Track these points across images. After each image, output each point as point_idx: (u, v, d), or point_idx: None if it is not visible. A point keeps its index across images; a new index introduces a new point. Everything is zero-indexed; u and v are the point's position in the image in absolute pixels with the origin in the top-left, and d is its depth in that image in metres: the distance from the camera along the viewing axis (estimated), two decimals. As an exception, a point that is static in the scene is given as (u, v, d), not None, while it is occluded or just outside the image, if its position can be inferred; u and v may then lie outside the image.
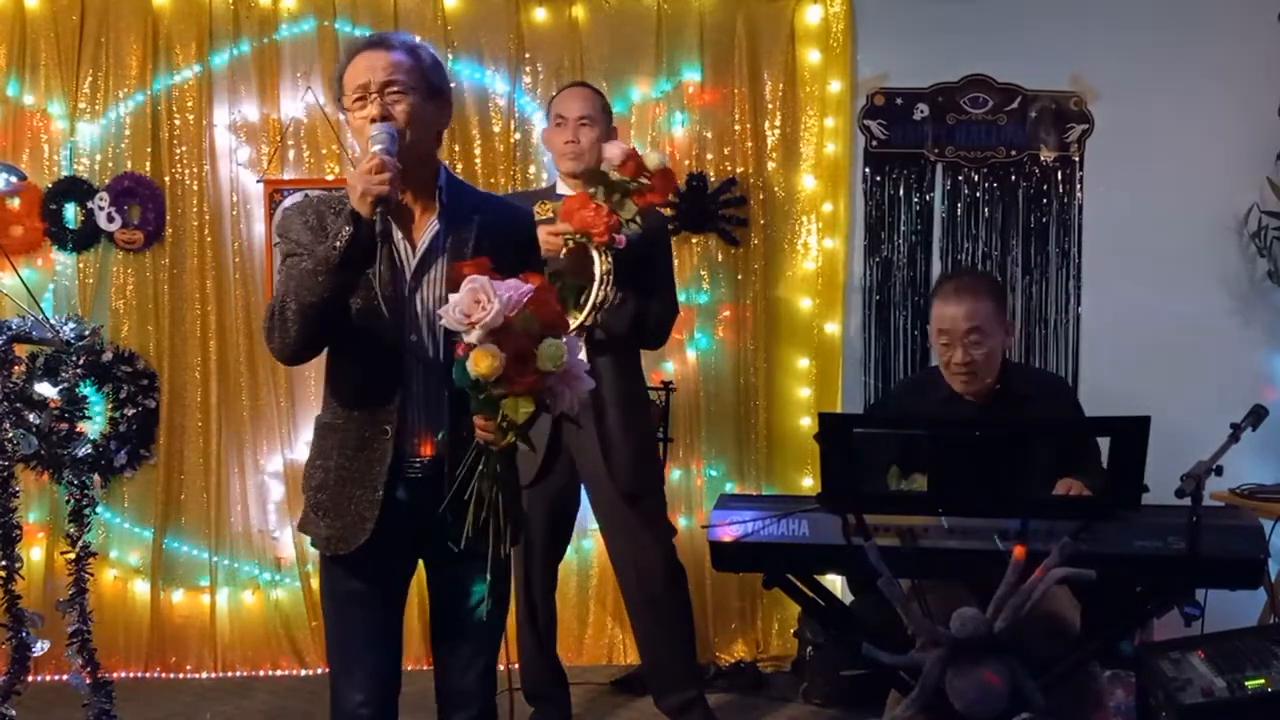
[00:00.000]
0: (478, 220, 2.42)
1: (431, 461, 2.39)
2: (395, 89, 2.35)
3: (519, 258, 2.37)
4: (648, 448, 3.84)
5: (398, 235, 2.39)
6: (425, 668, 2.69)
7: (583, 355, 2.28)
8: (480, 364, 2.14)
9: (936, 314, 3.27)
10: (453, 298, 2.20)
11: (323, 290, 2.27)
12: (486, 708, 2.54)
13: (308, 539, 2.55)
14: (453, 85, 4.42)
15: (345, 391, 2.44)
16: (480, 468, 2.28)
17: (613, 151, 3.40)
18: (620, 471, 3.67)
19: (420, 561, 2.53)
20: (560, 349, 2.18)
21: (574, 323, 3.45)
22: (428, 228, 2.42)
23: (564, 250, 3.39)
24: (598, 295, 3.41)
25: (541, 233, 3.31)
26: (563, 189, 3.71)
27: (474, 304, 2.15)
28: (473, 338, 2.15)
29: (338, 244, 2.23)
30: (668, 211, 4.25)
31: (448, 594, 2.50)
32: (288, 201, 4.35)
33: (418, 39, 2.62)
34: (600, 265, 3.39)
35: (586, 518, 4.00)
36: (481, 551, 2.31)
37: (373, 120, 2.32)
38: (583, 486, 3.78)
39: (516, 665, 3.78)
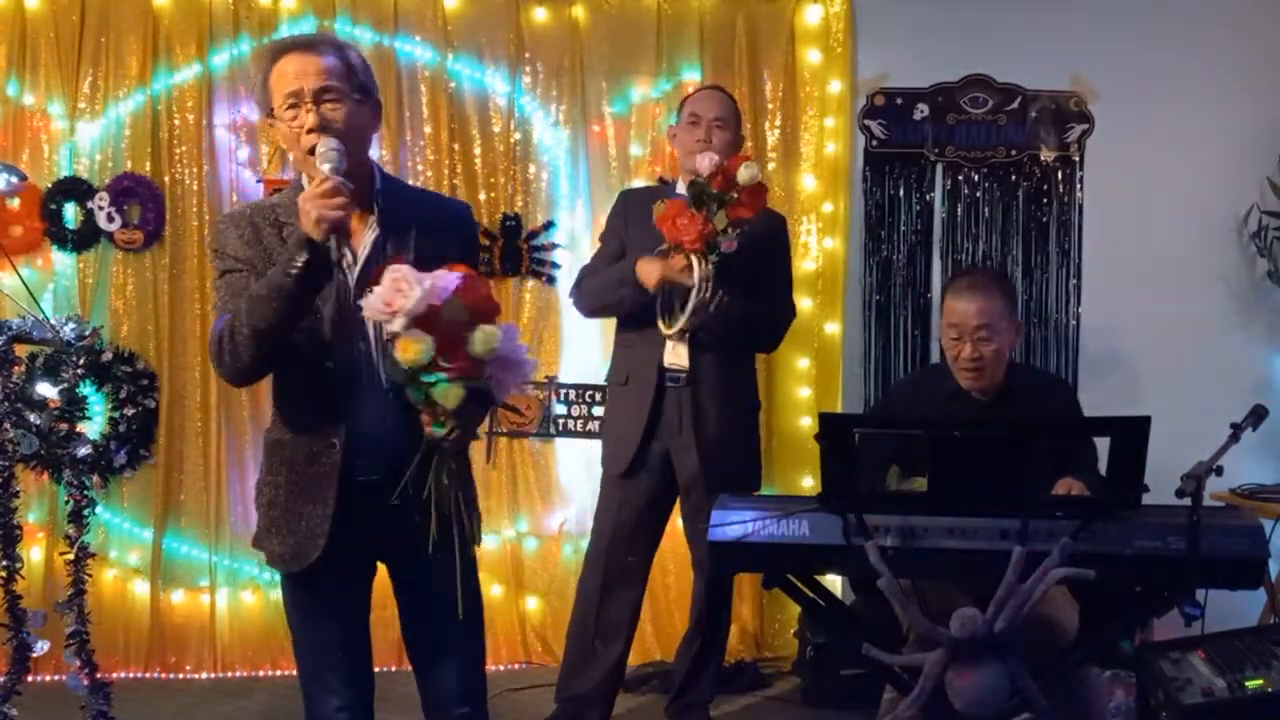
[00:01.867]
0: (416, 221, 2.35)
1: (385, 468, 2.31)
2: (331, 95, 2.25)
3: (461, 255, 2.31)
4: (750, 455, 3.77)
5: (362, 301, 2.27)
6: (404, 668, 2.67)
7: (517, 339, 2.23)
8: (407, 351, 2.09)
9: (948, 308, 3.28)
10: (375, 289, 2.13)
11: (277, 315, 2.19)
12: (477, 709, 2.49)
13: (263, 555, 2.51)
14: (452, 85, 4.47)
15: (291, 407, 2.38)
16: (435, 466, 2.23)
17: (703, 163, 3.40)
18: (715, 472, 3.59)
19: (382, 566, 2.49)
20: (493, 335, 2.13)
21: (677, 326, 3.49)
22: (366, 235, 2.33)
23: (671, 258, 3.43)
24: (696, 300, 3.42)
25: (666, 266, 3.42)
26: (681, 187, 3.65)
27: (395, 292, 2.09)
28: (396, 325, 2.10)
29: (292, 270, 2.15)
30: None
31: (415, 596, 2.46)
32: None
33: (345, 38, 2.57)
34: (698, 271, 3.40)
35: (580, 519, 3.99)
36: (447, 551, 2.25)
37: (308, 130, 2.23)
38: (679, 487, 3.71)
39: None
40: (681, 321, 3.49)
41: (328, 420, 2.32)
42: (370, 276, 2.20)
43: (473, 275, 2.19)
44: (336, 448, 2.31)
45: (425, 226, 2.35)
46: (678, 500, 3.74)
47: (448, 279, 2.14)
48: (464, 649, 2.47)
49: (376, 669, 2.55)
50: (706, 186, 3.38)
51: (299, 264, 2.15)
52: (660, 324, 3.57)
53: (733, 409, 3.67)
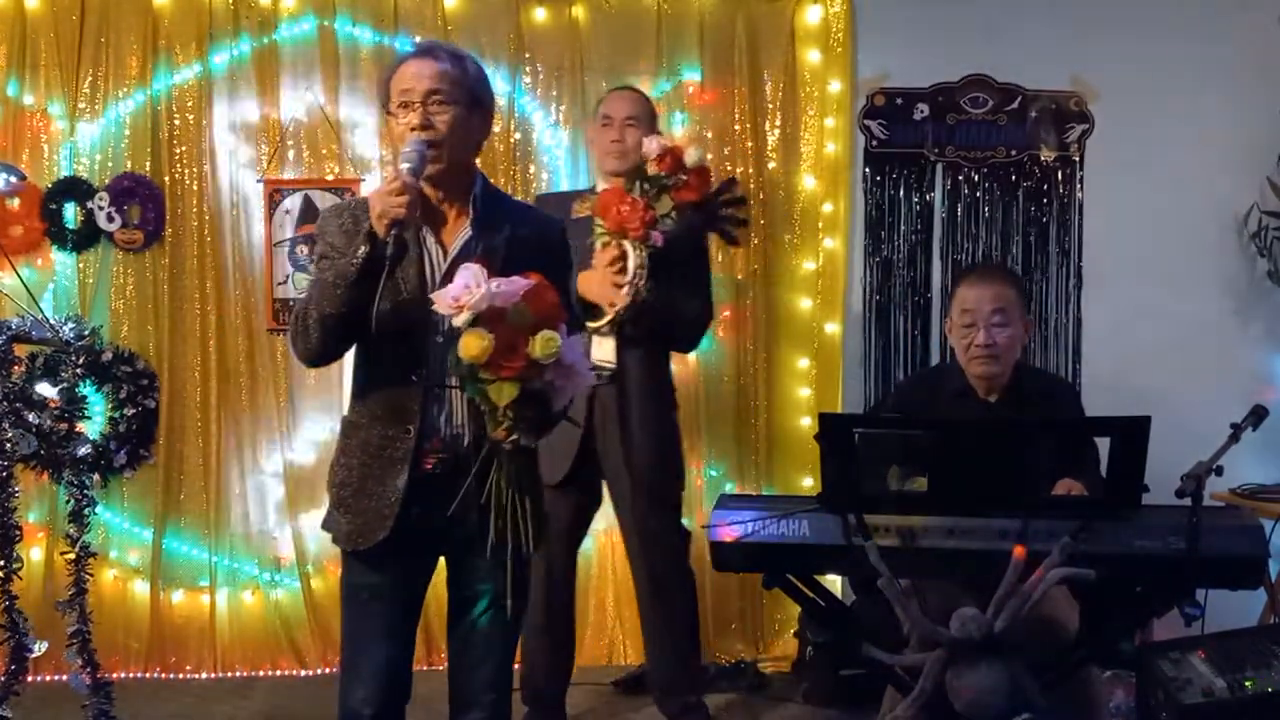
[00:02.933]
0: (509, 229, 2.45)
1: (454, 463, 2.40)
2: (438, 98, 2.38)
3: (546, 267, 2.37)
4: (671, 449, 3.79)
5: (430, 239, 2.42)
6: (434, 668, 2.69)
7: (583, 352, 2.28)
8: (469, 347, 2.16)
9: (960, 296, 3.25)
10: (447, 286, 2.23)
11: (340, 303, 2.33)
12: (500, 709, 2.54)
13: (309, 541, 2.56)
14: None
15: (370, 391, 2.47)
16: (496, 468, 2.30)
17: (651, 146, 3.41)
18: (642, 472, 3.64)
19: (442, 560, 2.55)
20: (553, 340, 2.18)
21: (605, 319, 3.46)
22: (460, 233, 2.45)
23: (600, 246, 3.40)
24: (630, 290, 3.40)
25: (601, 259, 3.39)
26: (601, 187, 3.69)
27: (464, 289, 2.18)
28: (460, 321, 2.18)
29: (354, 260, 2.29)
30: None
31: (466, 592, 2.51)
32: (288, 201, 4.36)
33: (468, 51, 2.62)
34: (634, 261, 3.38)
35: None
36: (503, 553, 2.33)
37: (413, 129, 2.36)
38: (604, 483, 3.75)
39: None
40: (613, 312, 3.43)
41: (405, 405, 2.41)
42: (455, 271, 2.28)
43: (543, 284, 2.25)
44: (411, 434, 2.40)
45: (517, 234, 2.45)
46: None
47: (517, 283, 2.21)
48: (498, 651, 2.53)
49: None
50: (653, 172, 3.39)
51: (360, 255, 2.28)
52: (585, 320, 3.49)
53: (657, 405, 3.69)
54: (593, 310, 3.52)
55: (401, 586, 2.50)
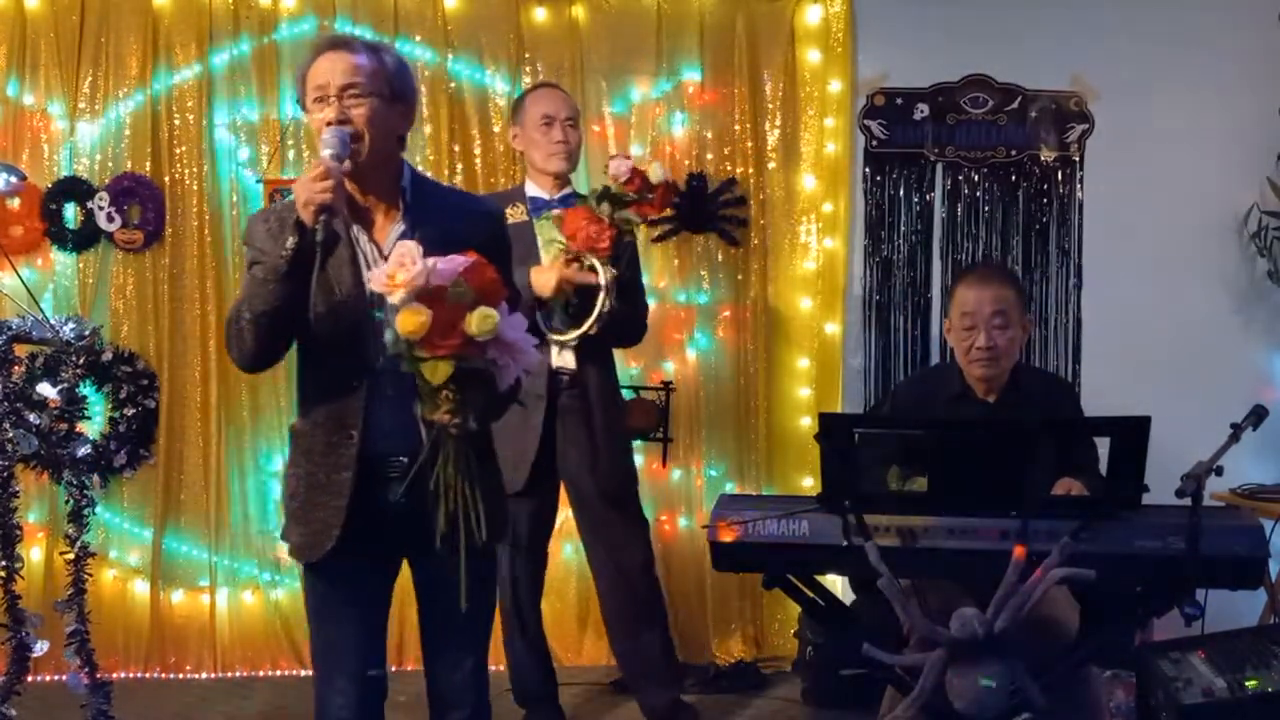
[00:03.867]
0: (444, 218, 2.39)
1: (406, 464, 2.34)
2: (354, 91, 2.32)
3: (486, 253, 2.31)
4: (626, 447, 3.89)
5: (363, 238, 2.37)
6: (412, 669, 2.69)
7: (527, 329, 2.23)
8: (406, 322, 2.10)
9: (960, 298, 3.24)
10: (382, 264, 2.18)
11: (273, 299, 2.27)
12: (479, 707, 2.53)
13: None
14: (452, 85, 4.47)
15: (311, 397, 2.42)
16: (443, 457, 2.23)
17: (620, 168, 3.49)
18: (605, 473, 3.70)
19: (405, 561, 2.52)
20: (490, 316, 2.13)
21: (577, 332, 3.52)
22: (392, 229, 2.39)
23: (563, 261, 3.48)
24: (603, 306, 3.48)
25: (562, 272, 3.45)
26: (533, 189, 3.73)
27: (399, 266, 2.13)
28: (396, 299, 2.12)
29: (284, 254, 2.22)
30: (668, 212, 4.26)
31: (433, 592, 2.48)
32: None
33: (390, 41, 2.62)
34: (604, 277, 3.46)
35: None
36: (455, 546, 2.26)
37: (329, 123, 2.30)
38: (564, 488, 3.79)
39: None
40: (586, 326, 3.51)
41: (347, 410, 2.36)
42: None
43: (481, 260, 2.20)
44: (354, 439, 2.35)
45: (453, 224, 2.38)
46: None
47: (455, 261, 2.16)
48: (471, 649, 2.51)
49: (378, 670, 2.55)
50: (618, 191, 3.49)
51: (289, 246, 2.22)
52: (550, 334, 3.56)
53: (614, 408, 3.77)
54: (546, 319, 3.56)
55: (364, 592, 2.46)
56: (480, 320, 2.12)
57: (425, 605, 2.51)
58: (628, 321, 3.66)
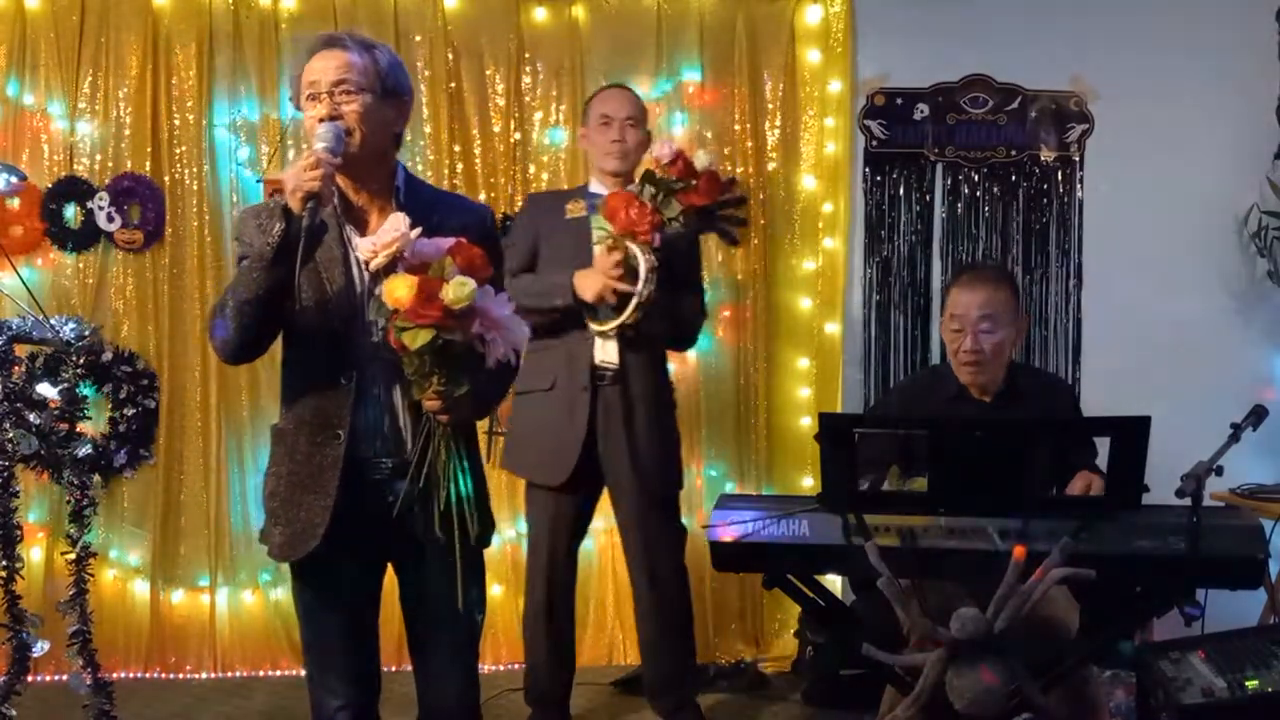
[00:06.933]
0: (435, 219, 2.38)
1: (394, 466, 2.36)
2: (346, 88, 2.33)
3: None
4: (673, 451, 3.80)
5: (355, 237, 2.37)
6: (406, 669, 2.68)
7: (512, 308, 2.25)
8: (394, 289, 2.13)
9: (951, 299, 3.26)
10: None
11: (257, 286, 2.25)
12: (469, 712, 2.51)
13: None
14: (452, 85, 4.47)
15: (296, 397, 2.41)
16: (433, 452, 2.25)
17: (663, 150, 3.43)
18: (646, 473, 3.65)
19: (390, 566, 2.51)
20: (468, 286, 2.13)
21: (615, 322, 3.47)
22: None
23: (605, 248, 3.41)
24: (642, 293, 3.41)
25: (604, 262, 3.39)
26: (597, 188, 3.71)
27: (386, 233, 2.17)
28: (376, 265, 2.17)
29: (270, 240, 2.22)
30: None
31: (418, 597, 2.47)
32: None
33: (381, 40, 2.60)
34: (645, 264, 3.39)
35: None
36: (450, 548, 2.28)
37: (321, 120, 2.31)
38: (606, 484, 3.75)
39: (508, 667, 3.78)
40: (625, 315, 3.44)
41: (333, 409, 2.35)
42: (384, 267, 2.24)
43: (465, 242, 2.22)
44: (341, 439, 2.34)
45: (443, 224, 2.37)
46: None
47: (442, 242, 2.20)
48: (461, 652, 2.49)
49: (375, 668, 2.54)
50: (663, 175, 3.42)
51: (276, 232, 2.21)
52: (591, 323, 3.53)
53: (659, 406, 3.71)
54: (591, 310, 3.52)
55: (352, 591, 2.45)
56: (457, 288, 2.13)
57: (412, 608, 2.49)
58: (672, 316, 3.58)
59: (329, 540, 2.35)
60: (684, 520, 4.43)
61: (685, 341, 3.87)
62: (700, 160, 3.45)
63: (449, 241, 2.20)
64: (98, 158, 4.41)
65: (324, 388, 2.36)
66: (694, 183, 3.44)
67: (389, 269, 2.20)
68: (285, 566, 4.43)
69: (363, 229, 2.39)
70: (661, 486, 3.72)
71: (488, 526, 2.45)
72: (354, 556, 2.41)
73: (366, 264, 2.25)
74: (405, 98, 2.46)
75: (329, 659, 2.45)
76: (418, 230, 2.18)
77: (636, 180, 3.57)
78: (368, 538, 2.39)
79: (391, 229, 2.18)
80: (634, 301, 3.41)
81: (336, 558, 2.38)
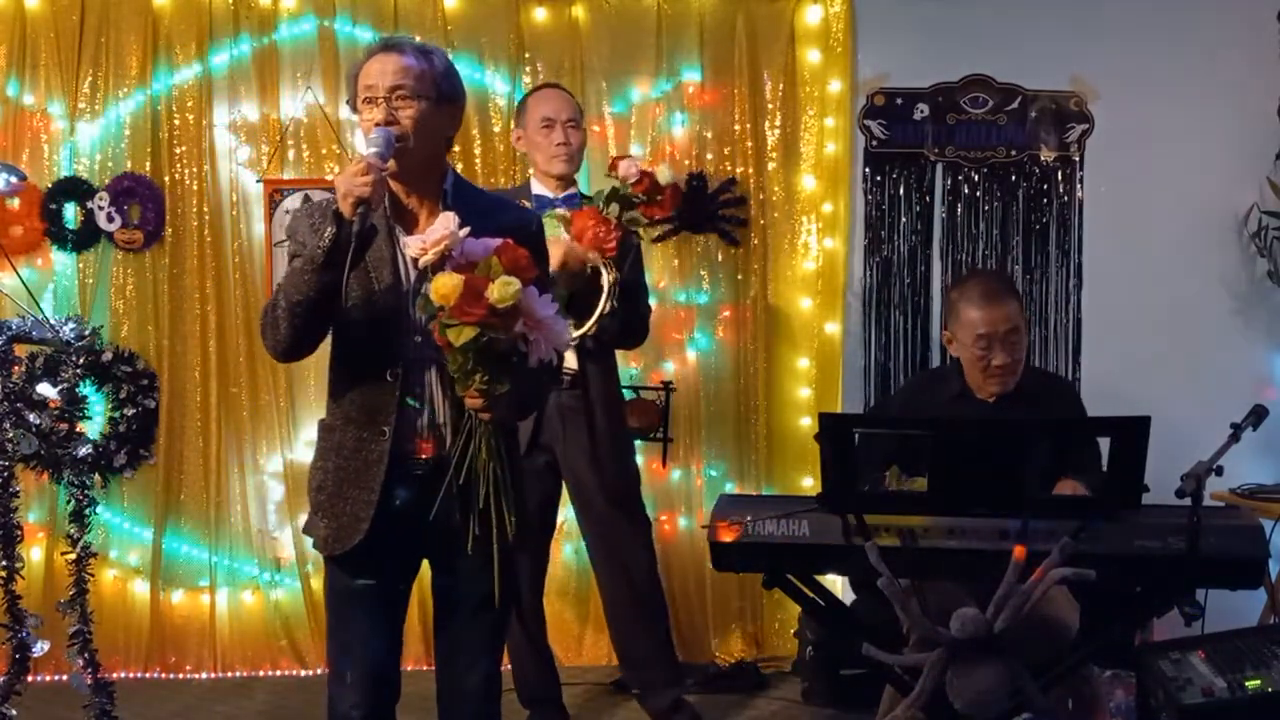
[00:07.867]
0: (483, 220, 2.40)
1: (435, 462, 2.40)
2: (402, 93, 2.36)
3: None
4: (629, 448, 3.89)
5: (403, 238, 2.40)
6: (424, 668, 2.69)
7: (558, 312, 2.29)
8: (441, 285, 2.16)
9: (969, 320, 3.22)
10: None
11: (308, 288, 2.30)
12: (490, 714, 2.54)
13: (310, 541, 2.56)
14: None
15: (343, 393, 2.45)
16: (474, 451, 2.30)
17: (629, 170, 3.51)
18: (607, 474, 3.71)
19: (425, 562, 2.54)
20: (513, 285, 2.17)
21: (578, 332, 3.51)
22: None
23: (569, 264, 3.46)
24: (605, 306, 3.49)
25: (555, 248, 3.38)
26: (537, 188, 3.75)
27: (436, 231, 2.21)
28: (425, 262, 2.21)
29: (321, 244, 2.27)
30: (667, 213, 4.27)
31: (451, 595, 2.50)
32: (289, 201, 4.38)
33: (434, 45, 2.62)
34: (608, 278, 3.47)
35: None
36: (487, 548, 2.33)
37: (376, 124, 2.34)
38: (566, 488, 3.79)
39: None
40: (587, 326, 3.52)
41: (380, 407, 2.39)
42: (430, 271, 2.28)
43: (512, 242, 2.25)
44: (386, 435, 2.39)
45: (492, 229, 2.39)
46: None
47: (489, 242, 2.24)
48: (489, 649, 2.52)
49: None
50: (627, 191, 3.50)
51: (327, 236, 2.26)
52: None
53: (616, 408, 3.78)
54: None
55: (385, 588, 2.48)
56: (502, 287, 2.16)
57: (444, 608, 2.52)
58: (630, 323, 3.66)
59: (371, 534, 2.39)
60: (682, 520, 4.45)
61: (638, 342, 3.92)
62: (663, 176, 3.56)
63: (496, 242, 2.23)
64: (98, 158, 4.41)
65: (370, 384, 2.40)
66: (659, 198, 3.55)
67: (437, 267, 2.23)
68: (285, 566, 4.50)
69: (411, 229, 2.42)
70: (623, 485, 3.78)
71: (527, 527, 2.48)
72: (393, 553, 2.44)
73: (415, 261, 2.28)
74: (460, 103, 2.50)
75: (352, 655, 2.46)
76: (466, 230, 2.22)
77: (578, 187, 3.71)
78: (408, 533, 2.43)
79: (441, 227, 2.22)
80: (595, 314, 3.50)
81: (376, 553, 2.41)
